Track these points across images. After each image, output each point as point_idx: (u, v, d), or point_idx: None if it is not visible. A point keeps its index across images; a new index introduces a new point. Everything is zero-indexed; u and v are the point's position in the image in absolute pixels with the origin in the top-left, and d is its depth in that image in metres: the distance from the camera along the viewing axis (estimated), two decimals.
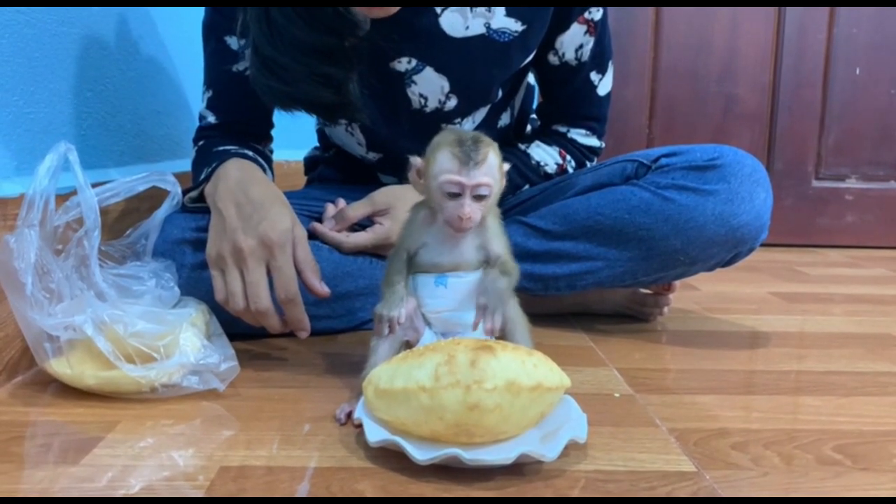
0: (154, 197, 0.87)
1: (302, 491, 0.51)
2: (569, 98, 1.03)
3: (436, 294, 0.65)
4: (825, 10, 1.89)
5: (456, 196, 0.61)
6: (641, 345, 0.94)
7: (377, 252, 0.92)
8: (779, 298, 1.28)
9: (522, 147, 1.04)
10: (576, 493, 0.51)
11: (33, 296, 0.65)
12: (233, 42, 0.91)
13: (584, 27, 0.94)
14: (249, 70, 0.79)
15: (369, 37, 0.85)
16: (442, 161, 0.61)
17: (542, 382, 0.54)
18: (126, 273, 0.75)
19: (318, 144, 1.20)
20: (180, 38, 1.26)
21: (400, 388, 0.54)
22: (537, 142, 1.04)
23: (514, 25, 0.89)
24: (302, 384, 0.74)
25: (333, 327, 0.92)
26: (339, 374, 0.77)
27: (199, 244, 0.81)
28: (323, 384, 0.74)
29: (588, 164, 1.07)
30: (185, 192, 0.88)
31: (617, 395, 0.73)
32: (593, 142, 1.05)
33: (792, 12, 1.89)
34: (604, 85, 1.01)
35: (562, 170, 1.04)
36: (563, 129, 1.05)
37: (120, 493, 0.50)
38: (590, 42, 0.96)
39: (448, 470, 0.53)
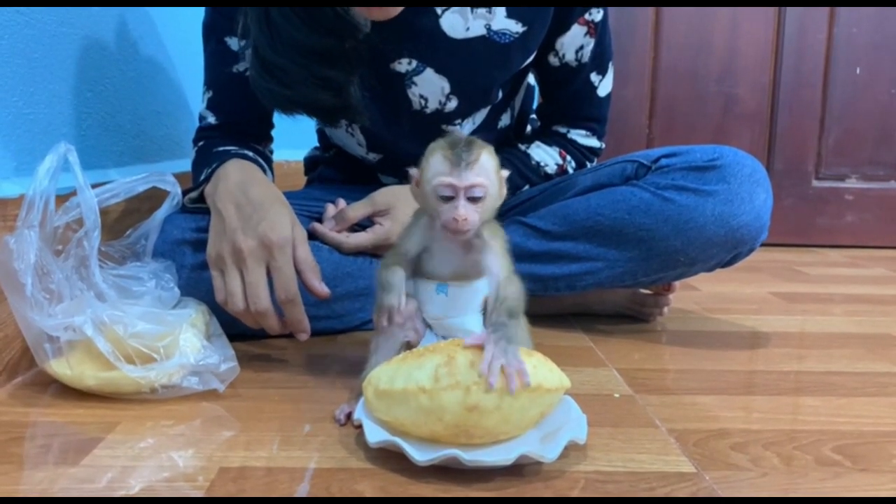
0: (154, 197, 0.87)
1: (302, 491, 0.51)
2: (569, 99, 1.03)
3: (436, 301, 0.64)
4: (825, 10, 1.88)
5: (450, 199, 0.61)
6: (641, 345, 0.94)
7: (377, 252, 0.92)
8: (779, 298, 1.27)
9: (522, 147, 1.04)
10: (575, 494, 0.51)
11: (33, 296, 0.65)
12: (233, 43, 0.91)
13: (585, 28, 0.94)
14: (249, 73, 0.79)
15: (369, 38, 0.85)
16: (434, 165, 0.61)
17: (541, 383, 0.54)
18: (126, 274, 0.75)
19: (318, 144, 1.20)
20: (180, 39, 1.26)
21: (400, 389, 0.54)
22: (537, 142, 1.04)
23: (515, 27, 0.89)
24: (302, 385, 0.74)
25: (333, 328, 0.92)
26: (339, 375, 0.77)
27: (199, 245, 0.82)
28: (323, 385, 0.74)
29: (588, 165, 1.07)
30: (184, 193, 0.88)
31: (616, 395, 0.73)
32: (593, 142, 1.06)
33: (792, 12, 1.88)
34: (604, 86, 1.01)
35: (562, 170, 1.04)
36: (563, 130, 1.05)
37: (120, 494, 0.50)
38: (590, 43, 0.96)
39: (448, 471, 0.53)
